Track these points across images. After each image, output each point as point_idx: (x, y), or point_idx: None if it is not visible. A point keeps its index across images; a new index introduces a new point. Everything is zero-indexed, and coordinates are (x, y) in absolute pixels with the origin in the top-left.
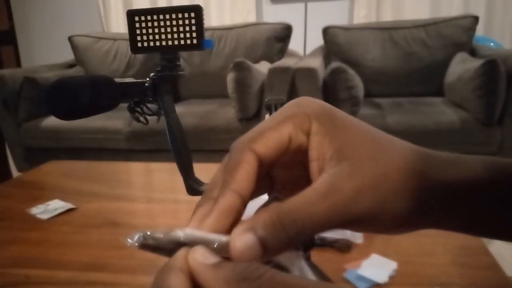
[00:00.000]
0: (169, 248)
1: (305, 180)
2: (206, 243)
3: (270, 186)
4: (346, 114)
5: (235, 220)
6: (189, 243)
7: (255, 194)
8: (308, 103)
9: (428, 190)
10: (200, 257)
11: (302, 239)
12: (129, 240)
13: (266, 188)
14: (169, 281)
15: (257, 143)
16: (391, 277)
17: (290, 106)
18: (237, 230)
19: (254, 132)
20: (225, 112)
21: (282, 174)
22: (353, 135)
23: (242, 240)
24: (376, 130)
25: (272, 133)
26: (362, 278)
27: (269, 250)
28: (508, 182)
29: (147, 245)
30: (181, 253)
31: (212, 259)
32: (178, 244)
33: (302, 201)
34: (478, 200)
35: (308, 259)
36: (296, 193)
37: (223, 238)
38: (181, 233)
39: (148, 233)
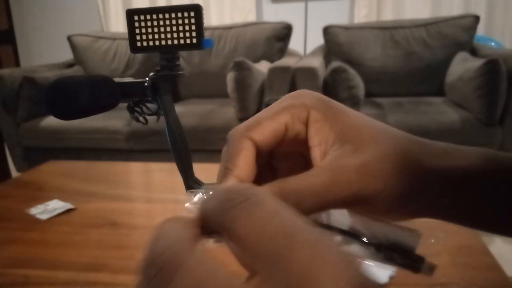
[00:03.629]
0: None
1: (306, 170)
2: None
3: (272, 177)
4: (341, 104)
5: None
6: None
7: (258, 184)
8: (305, 94)
9: (424, 175)
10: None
11: (304, 213)
12: (188, 205)
13: (269, 178)
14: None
15: (254, 131)
16: (391, 277)
17: (287, 98)
18: None
19: (251, 121)
20: (225, 112)
21: (284, 165)
22: (352, 120)
23: None
24: (371, 118)
25: (268, 122)
26: None
27: None
28: (502, 172)
29: None
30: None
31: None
32: None
33: (304, 176)
34: (472, 188)
35: None
36: None
37: None
38: None
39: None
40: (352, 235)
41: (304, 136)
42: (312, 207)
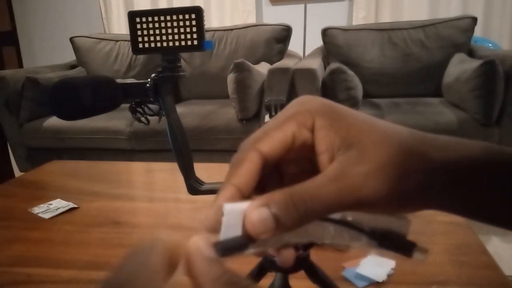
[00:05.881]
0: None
1: (312, 174)
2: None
3: (279, 181)
4: (345, 107)
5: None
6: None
7: (266, 190)
8: (309, 100)
9: (429, 170)
10: (202, 245)
11: (313, 218)
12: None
13: (275, 183)
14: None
15: (261, 143)
16: (389, 276)
17: (292, 105)
18: (253, 204)
19: (259, 133)
20: (226, 113)
21: (290, 170)
22: (356, 124)
23: (257, 212)
24: (375, 118)
25: (276, 133)
26: (361, 277)
27: (281, 226)
28: (504, 165)
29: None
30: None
31: (210, 253)
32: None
33: (312, 184)
34: (475, 181)
35: (307, 258)
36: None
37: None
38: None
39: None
40: (345, 224)
41: (311, 142)
42: (320, 212)
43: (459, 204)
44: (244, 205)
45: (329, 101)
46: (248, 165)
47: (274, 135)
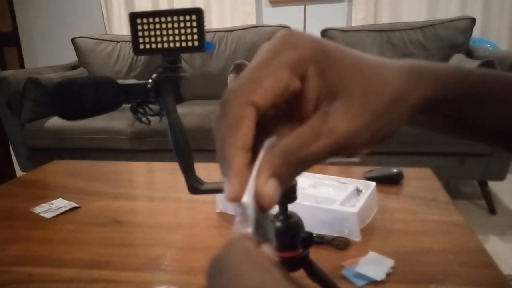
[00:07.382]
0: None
1: (288, 118)
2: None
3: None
4: (337, 46)
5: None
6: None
7: None
8: (302, 43)
9: (408, 108)
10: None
11: (306, 170)
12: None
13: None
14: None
15: (255, 95)
16: (388, 274)
17: (283, 47)
18: (260, 179)
19: (250, 81)
20: None
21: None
22: (344, 70)
23: (269, 187)
24: (366, 59)
25: (269, 83)
26: (360, 275)
27: (284, 185)
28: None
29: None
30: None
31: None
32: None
33: (302, 141)
34: (440, 108)
35: (307, 256)
36: (282, 127)
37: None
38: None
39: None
40: None
41: (299, 90)
42: (313, 164)
43: (433, 126)
44: (250, 185)
45: (320, 41)
46: (249, 124)
47: (267, 85)
